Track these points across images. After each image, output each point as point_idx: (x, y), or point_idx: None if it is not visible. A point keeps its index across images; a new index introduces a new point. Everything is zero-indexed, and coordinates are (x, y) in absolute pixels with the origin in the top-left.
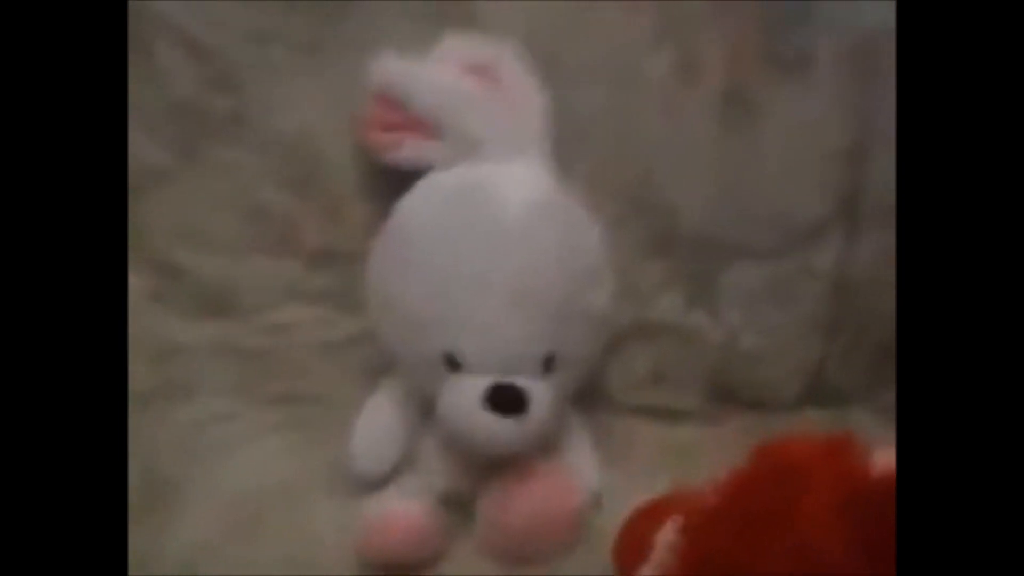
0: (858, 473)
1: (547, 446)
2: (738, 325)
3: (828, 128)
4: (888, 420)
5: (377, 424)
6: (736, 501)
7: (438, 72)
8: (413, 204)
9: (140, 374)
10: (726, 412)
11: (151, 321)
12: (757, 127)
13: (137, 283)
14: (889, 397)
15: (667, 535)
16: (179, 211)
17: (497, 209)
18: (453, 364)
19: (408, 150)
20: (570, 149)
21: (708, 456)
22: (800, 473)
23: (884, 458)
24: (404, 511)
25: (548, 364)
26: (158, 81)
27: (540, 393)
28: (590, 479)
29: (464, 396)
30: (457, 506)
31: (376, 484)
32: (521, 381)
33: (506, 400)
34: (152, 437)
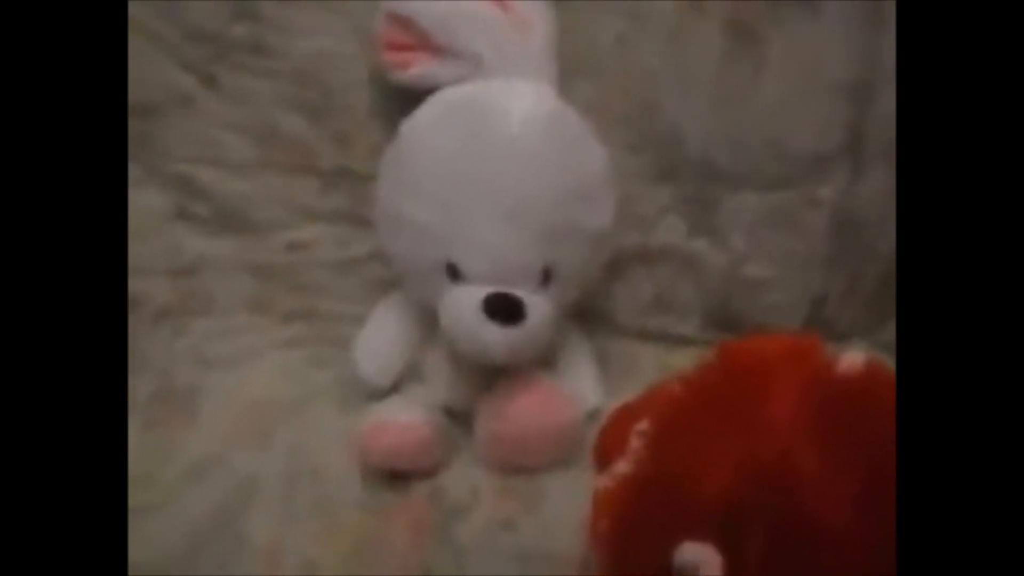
0: (821, 371)
1: (547, 362)
2: (741, 252)
3: (833, 62)
4: (889, 356)
5: (381, 335)
6: (702, 395)
7: None
8: (418, 119)
9: (161, 287)
10: (727, 339)
11: (173, 237)
12: (762, 58)
13: (160, 201)
14: (889, 333)
15: (642, 427)
16: (200, 133)
17: (497, 122)
18: (455, 274)
19: (417, 69)
20: (577, 76)
21: None
22: (763, 369)
23: (850, 359)
24: (402, 418)
25: (545, 277)
26: (181, 10)
27: (537, 305)
28: (590, 395)
29: (463, 304)
30: (459, 419)
31: (382, 395)
32: (519, 293)
33: (503, 308)
34: (169, 348)
